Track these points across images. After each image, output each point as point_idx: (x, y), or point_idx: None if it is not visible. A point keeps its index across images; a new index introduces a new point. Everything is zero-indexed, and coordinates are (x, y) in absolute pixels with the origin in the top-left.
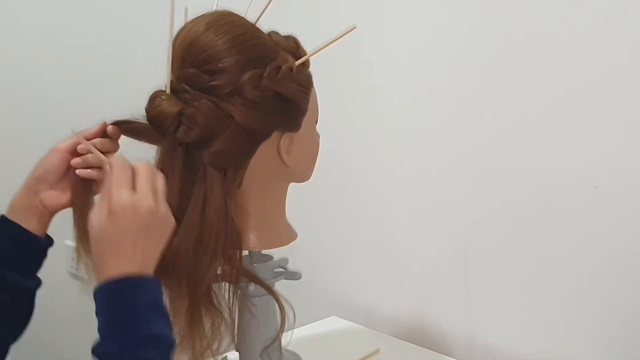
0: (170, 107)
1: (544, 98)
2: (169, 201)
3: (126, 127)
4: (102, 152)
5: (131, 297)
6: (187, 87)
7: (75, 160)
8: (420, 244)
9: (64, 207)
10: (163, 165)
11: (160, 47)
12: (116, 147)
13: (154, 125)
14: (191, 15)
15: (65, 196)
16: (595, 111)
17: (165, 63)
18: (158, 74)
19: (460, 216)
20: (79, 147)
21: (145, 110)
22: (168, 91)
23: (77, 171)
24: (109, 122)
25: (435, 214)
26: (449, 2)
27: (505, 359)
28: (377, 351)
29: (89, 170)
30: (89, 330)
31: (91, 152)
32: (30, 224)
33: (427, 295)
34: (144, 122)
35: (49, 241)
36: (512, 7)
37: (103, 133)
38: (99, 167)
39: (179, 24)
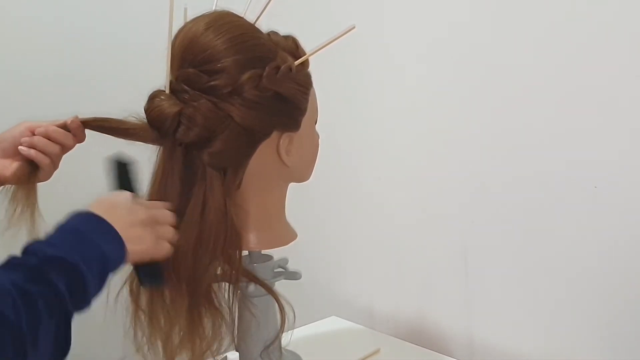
0: (169, 107)
1: (544, 99)
2: (168, 201)
3: (102, 125)
4: (57, 143)
5: (90, 228)
6: (186, 87)
7: (25, 139)
8: (420, 244)
9: (5, 179)
10: (163, 165)
11: (160, 46)
12: (71, 143)
13: (154, 127)
14: (191, 15)
15: (9, 170)
16: (595, 112)
17: (163, 62)
18: (157, 73)
19: (461, 216)
20: (36, 129)
21: (145, 111)
22: (167, 91)
23: (19, 147)
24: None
25: (435, 214)
26: (449, 4)
27: (505, 359)
28: (377, 351)
29: (31, 151)
30: (89, 329)
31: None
32: None
33: (427, 295)
34: (133, 121)
35: None
36: (514, 10)
37: (72, 127)
38: (44, 153)
39: (178, 23)
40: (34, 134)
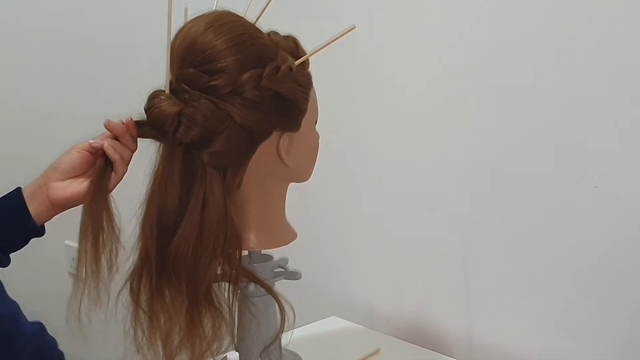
0: (169, 107)
1: (544, 98)
2: (168, 201)
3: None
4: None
5: None
6: (186, 87)
7: (93, 140)
8: (420, 244)
9: (67, 199)
10: (163, 165)
11: (160, 46)
12: (133, 146)
13: (154, 127)
14: (191, 15)
15: (70, 189)
16: (595, 111)
17: (164, 62)
18: (158, 73)
19: (460, 216)
20: (106, 124)
21: (145, 111)
22: (167, 91)
23: (89, 142)
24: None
25: (435, 214)
26: (450, 4)
27: (505, 359)
28: (377, 351)
29: (105, 142)
30: (89, 329)
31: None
32: (31, 209)
33: (427, 295)
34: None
35: (38, 231)
36: (515, 10)
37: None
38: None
39: (178, 24)
40: (104, 137)
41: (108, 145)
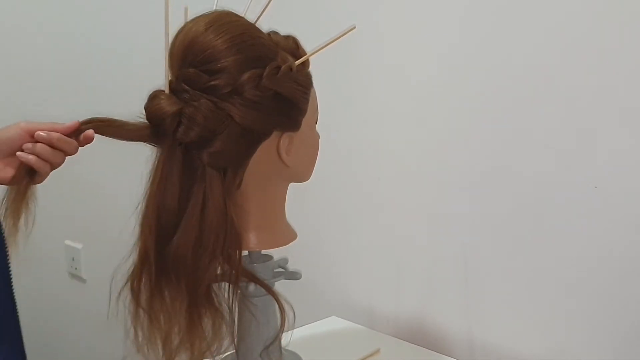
0: (169, 105)
1: (544, 98)
2: (168, 201)
3: (108, 129)
4: (59, 150)
5: None
6: (186, 87)
7: (27, 145)
8: (421, 243)
9: (2, 181)
10: (162, 165)
11: (160, 46)
12: (74, 150)
13: (153, 124)
14: (191, 15)
15: (6, 172)
16: (595, 111)
17: (163, 63)
18: (159, 74)
19: (461, 216)
20: (36, 133)
21: (145, 109)
22: (167, 91)
23: (17, 153)
24: (90, 123)
25: (435, 214)
26: (450, 4)
27: (505, 359)
28: (377, 351)
29: (30, 157)
30: (89, 330)
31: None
32: None
33: (427, 295)
34: (134, 121)
35: None
36: (516, 10)
37: (73, 132)
38: (46, 161)
39: (179, 23)
40: (35, 139)
41: (36, 160)
